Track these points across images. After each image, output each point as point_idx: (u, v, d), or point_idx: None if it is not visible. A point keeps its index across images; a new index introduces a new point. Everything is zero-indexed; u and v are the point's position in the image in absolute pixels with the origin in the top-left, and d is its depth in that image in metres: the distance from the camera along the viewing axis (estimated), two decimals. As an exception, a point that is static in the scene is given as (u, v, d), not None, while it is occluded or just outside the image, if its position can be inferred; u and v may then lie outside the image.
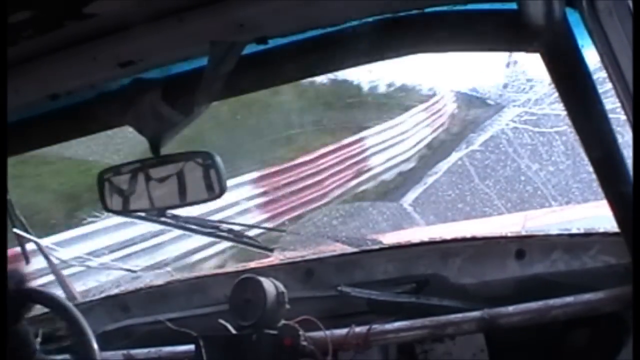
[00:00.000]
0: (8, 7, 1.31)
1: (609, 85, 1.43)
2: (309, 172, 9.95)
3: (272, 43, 1.58)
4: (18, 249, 2.55)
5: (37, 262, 2.72)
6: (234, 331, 2.19)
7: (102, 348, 2.18)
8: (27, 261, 2.66)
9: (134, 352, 2.36)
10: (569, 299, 2.05)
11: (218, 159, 1.84)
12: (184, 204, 1.91)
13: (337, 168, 10.51)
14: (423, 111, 14.23)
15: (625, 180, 1.59)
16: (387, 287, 2.29)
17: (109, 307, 2.54)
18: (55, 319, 2.31)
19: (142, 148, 1.81)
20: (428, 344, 2.24)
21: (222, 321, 2.20)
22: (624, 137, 1.53)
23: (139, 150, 2.04)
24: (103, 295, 2.63)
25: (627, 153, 1.53)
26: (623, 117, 1.42)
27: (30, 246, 2.68)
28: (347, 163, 10.88)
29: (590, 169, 1.68)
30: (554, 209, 4.11)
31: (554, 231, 2.25)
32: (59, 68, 1.58)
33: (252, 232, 2.64)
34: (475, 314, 2.11)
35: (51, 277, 2.74)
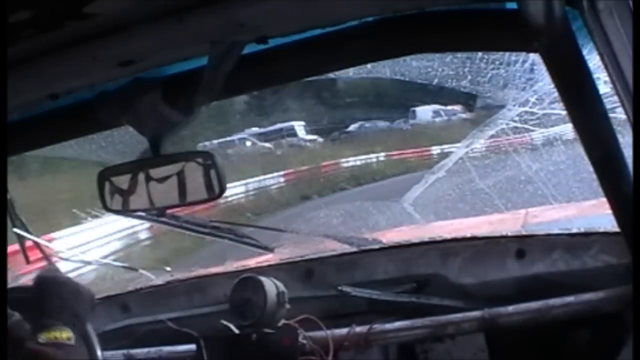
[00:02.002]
0: (8, 7, 1.30)
1: (610, 85, 1.43)
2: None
3: (272, 43, 1.58)
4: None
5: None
6: (236, 331, 2.19)
7: (103, 348, 2.17)
8: (27, 261, 2.66)
9: (134, 352, 2.36)
10: (570, 299, 2.05)
11: (218, 159, 1.84)
12: (183, 203, 1.91)
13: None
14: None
15: (625, 180, 1.59)
16: (387, 286, 2.29)
17: (109, 306, 2.54)
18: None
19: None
20: (428, 344, 2.24)
21: (224, 322, 2.20)
22: (624, 137, 1.53)
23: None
24: (103, 295, 2.63)
25: (627, 153, 1.53)
26: (623, 116, 1.42)
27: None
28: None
29: (591, 168, 1.68)
30: (554, 207, 4.11)
31: (554, 231, 2.25)
32: (59, 68, 1.58)
33: (252, 232, 2.64)
34: (476, 313, 2.11)
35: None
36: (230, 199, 16.27)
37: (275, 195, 19.90)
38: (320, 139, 28.36)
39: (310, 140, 28.35)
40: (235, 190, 18.51)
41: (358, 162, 24.35)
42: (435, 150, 25.22)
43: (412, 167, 22.29)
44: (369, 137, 27.46)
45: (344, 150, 25.28)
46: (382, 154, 24.96)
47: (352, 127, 29.89)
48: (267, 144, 26.61)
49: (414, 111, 29.85)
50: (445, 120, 29.16)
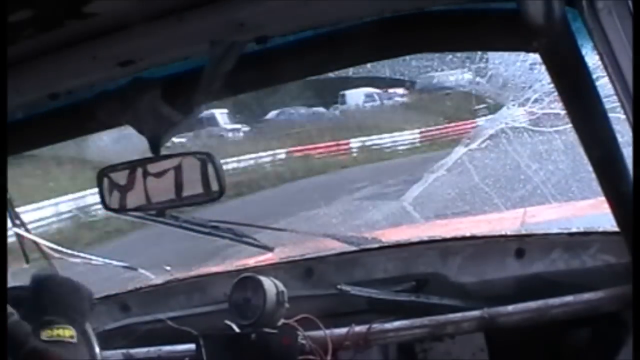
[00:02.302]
0: (8, 6, 1.31)
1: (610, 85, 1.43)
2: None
3: (272, 43, 1.58)
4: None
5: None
6: (238, 330, 2.20)
7: (102, 347, 2.17)
8: (27, 260, 2.66)
9: (133, 351, 2.36)
10: (569, 298, 2.05)
11: (217, 159, 1.84)
12: (181, 203, 1.91)
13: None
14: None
15: (625, 180, 1.59)
16: (387, 285, 2.29)
17: (109, 306, 2.54)
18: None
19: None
20: (428, 343, 2.24)
21: (228, 322, 2.20)
22: (624, 137, 1.53)
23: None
24: (103, 294, 2.63)
25: (627, 153, 1.53)
26: (623, 116, 1.42)
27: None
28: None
29: (590, 168, 1.68)
30: (552, 205, 4.11)
31: (554, 230, 2.25)
32: (59, 67, 1.58)
33: (252, 231, 2.64)
34: (475, 313, 2.11)
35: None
36: (34, 226, 9.55)
37: (100, 221, 13.27)
38: (246, 128, 24.32)
39: (232, 130, 24.20)
40: (44, 212, 13.17)
41: (243, 164, 18.61)
42: (356, 143, 22.16)
43: (318, 168, 18.91)
44: (284, 127, 23.52)
45: (257, 144, 20.81)
46: (282, 150, 20.71)
47: (270, 115, 25.53)
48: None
49: (343, 95, 26.29)
50: (379, 105, 26.35)
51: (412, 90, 22.50)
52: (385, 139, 22.54)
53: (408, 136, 22.51)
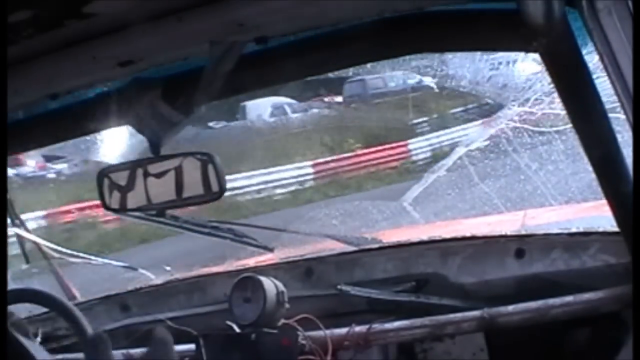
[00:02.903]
0: (8, 6, 1.31)
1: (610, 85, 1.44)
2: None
3: (272, 43, 1.59)
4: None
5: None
6: (238, 330, 2.20)
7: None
8: (27, 261, 2.66)
9: (133, 351, 2.36)
10: (569, 299, 2.05)
11: (217, 159, 1.84)
12: (182, 203, 1.91)
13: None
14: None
15: (625, 180, 1.59)
16: (387, 286, 2.29)
17: (109, 306, 2.54)
18: (56, 319, 2.31)
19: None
20: (428, 343, 2.24)
21: (228, 322, 2.21)
22: (624, 137, 1.53)
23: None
24: (103, 294, 2.64)
25: (627, 153, 1.53)
26: (623, 116, 1.42)
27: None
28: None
29: (590, 168, 1.68)
30: (553, 207, 4.11)
31: (554, 230, 2.25)
32: (59, 68, 1.58)
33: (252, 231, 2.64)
34: (475, 313, 2.11)
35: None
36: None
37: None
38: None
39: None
40: None
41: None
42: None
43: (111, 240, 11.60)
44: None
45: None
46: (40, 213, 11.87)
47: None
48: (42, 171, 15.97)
49: (243, 107, 19.90)
50: (286, 120, 19.59)
51: (339, 97, 18.53)
52: (254, 179, 15.18)
53: (296, 172, 15.97)
